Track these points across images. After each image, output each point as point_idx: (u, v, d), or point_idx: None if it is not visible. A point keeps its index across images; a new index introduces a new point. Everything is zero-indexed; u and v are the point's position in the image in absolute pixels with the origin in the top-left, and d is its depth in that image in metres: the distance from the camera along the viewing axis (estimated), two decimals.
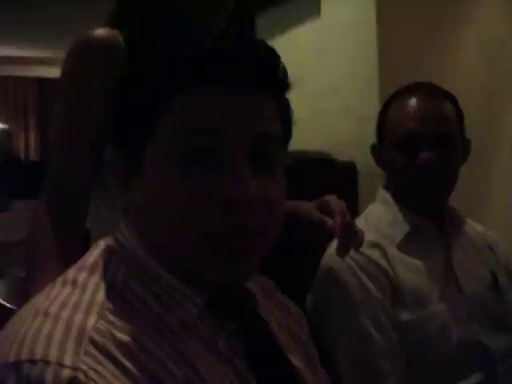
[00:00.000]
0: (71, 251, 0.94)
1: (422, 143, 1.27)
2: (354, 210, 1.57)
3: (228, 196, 0.62)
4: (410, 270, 1.25)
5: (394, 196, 1.36)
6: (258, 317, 0.75)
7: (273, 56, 0.68)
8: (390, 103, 1.37)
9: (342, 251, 1.00)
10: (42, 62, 6.28)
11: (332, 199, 1.07)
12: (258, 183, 0.64)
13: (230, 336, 0.68)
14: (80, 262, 0.69)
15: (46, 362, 0.54)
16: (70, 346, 0.56)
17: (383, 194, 1.38)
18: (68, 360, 0.55)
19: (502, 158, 2.36)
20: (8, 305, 2.06)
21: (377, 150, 1.39)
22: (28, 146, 7.20)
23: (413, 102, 1.31)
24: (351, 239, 1.01)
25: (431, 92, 1.34)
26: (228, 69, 0.64)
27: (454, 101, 1.34)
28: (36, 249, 1.01)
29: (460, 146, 1.34)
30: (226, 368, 0.66)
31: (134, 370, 0.57)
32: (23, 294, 0.95)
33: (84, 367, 0.55)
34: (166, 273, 0.66)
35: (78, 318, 0.59)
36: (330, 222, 1.01)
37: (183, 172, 0.63)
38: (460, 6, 2.30)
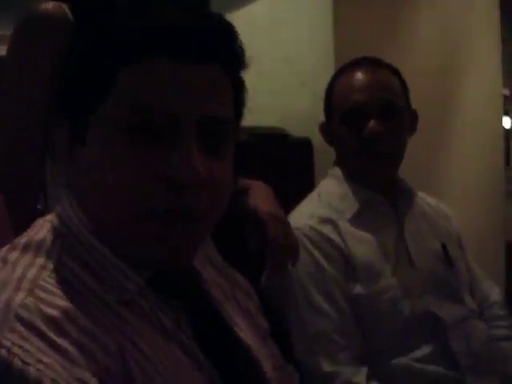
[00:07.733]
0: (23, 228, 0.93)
1: (368, 114, 1.27)
2: (310, 186, 1.57)
3: (174, 174, 0.61)
4: (363, 244, 1.26)
5: (345, 172, 1.36)
6: (203, 293, 0.74)
7: (229, 31, 0.66)
8: (334, 80, 1.37)
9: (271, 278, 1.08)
10: None
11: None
12: (205, 163, 0.63)
13: (176, 312, 0.68)
14: (14, 241, 0.66)
15: None
16: None
17: (335, 170, 1.38)
18: None
19: (459, 133, 2.39)
20: None
21: (325, 128, 1.39)
22: None
23: (357, 74, 1.32)
24: (282, 268, 1.09)
25: (374, 64, 1.34)
26: (182, 41, 0.62)
27: (396, 72, 1.35)
28: None
29: (407, 116, 1.35)
30: (171, 344, 0.65)
31: (64, 344, 0.56)
32: None
33: (7, 343, 0.54)
34: (106, 249, 0.65)
35: (5, 295, 0.58)
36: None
37: (130, 146, 0.62)
38: None
